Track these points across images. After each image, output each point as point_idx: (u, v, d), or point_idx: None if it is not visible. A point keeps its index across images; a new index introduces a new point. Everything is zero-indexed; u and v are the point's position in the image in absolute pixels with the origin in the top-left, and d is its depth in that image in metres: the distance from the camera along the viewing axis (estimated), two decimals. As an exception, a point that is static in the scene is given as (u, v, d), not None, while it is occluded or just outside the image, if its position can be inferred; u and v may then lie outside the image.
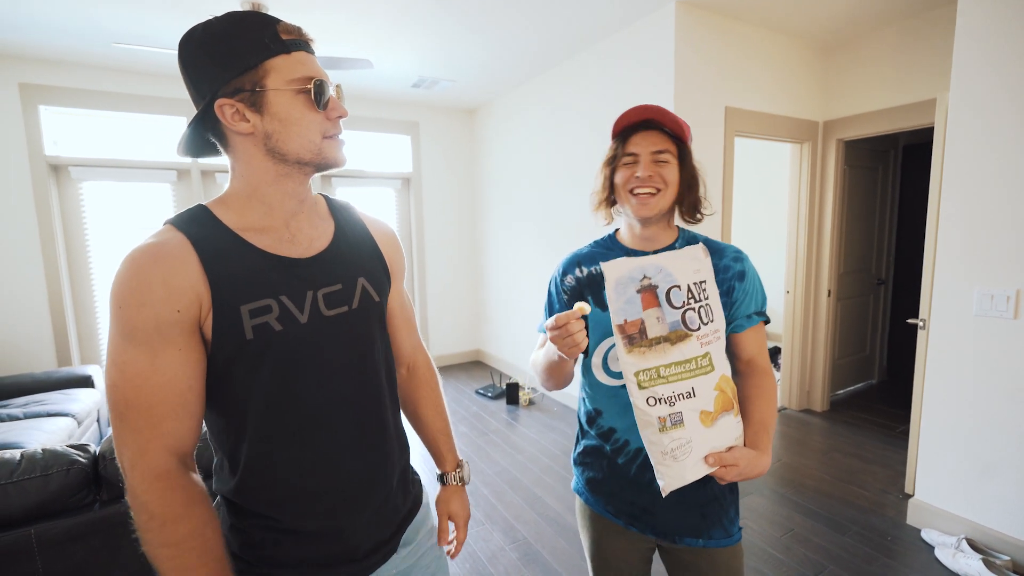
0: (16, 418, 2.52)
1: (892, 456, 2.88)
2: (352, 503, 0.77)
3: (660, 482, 0.86)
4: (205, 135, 0.73)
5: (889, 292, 4.13)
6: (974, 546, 1.98)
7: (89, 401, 2.84)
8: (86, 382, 3.05)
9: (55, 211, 3.42)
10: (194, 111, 0.70)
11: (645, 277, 0.87)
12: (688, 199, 1.02)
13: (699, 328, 0.87)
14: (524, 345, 4.42)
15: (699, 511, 0.99)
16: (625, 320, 0.86)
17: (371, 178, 4.64)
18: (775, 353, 4.44)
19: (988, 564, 1.87)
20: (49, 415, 2.56)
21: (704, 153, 2.77)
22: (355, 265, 0.80)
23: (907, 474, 2.49)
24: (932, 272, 2.21)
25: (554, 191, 3.85)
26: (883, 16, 2.82)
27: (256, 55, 0.67)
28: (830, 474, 2.71)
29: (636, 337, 0.85)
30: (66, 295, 3.50)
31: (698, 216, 1.04)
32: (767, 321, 1.02)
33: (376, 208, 4.66)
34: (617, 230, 1.12)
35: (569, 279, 1.07)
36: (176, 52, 0.71)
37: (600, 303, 1.01)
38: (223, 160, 0.75)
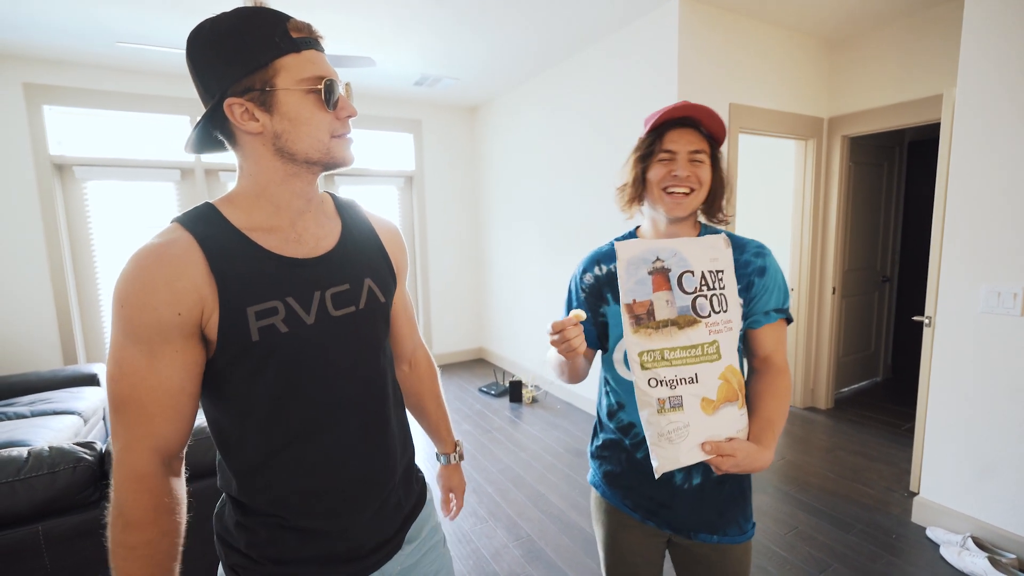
0: (23, 416, 2.54)
1: (897, 454, 2.87)
2: (356, 502, 0.77)
3: (654, 463, 0.86)
4: (213, 132, 0.72)
5: (894, 289, 4.11)
6: (980, 544, 1.97)
7: (95, 399, 2.86)
8: (91, 380, 3.07)
9: (59, 210, 3.43)
10: (199, 109, 0.70)
11: (658, 259, 0.86)
12: (716, 201, 1.02)
13: (709, 315, 0.86)
14: (527, 343, 4.42)
15: (717, 508, 0.99)
16: (634, 300, 0.86)
17: (374, 176, 4.64)
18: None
19: (994, 562, 1.86)
20: (55, 413, 2.58)
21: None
22: (362, 265, 0.80)
23: (912, 472, 2.48)
24: (938, 269, 2.20)
25: (556, 189, 3.84)
26: (889, 11, 2.80)
27: (266, 53, 0.66)
28: (834, 472, 2.70)
29: (643, 318, 0.85)
30: (71, 294, 3.52)
31: (721, 216, 1.04)
32: (789, 320, 1.01)
33: (379, 206, 4.67)
34: (638, 227, 1.11)
35: (588, 277, 1.07)
36: (180, 51, 0.71)
37: (619, 300, 1.01)
38: (227, 159, 0.75)
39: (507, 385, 4.17)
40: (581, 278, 1.09)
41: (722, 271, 0.89)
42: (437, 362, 1.09)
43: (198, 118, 0.70)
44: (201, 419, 0.76)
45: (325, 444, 0.74)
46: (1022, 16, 1.81)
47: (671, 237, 1.01)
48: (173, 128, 3.76)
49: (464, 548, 2.17)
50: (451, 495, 1.10)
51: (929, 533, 2.13)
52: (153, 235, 0.67)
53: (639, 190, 1.02)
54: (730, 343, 0.89)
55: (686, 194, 0.97)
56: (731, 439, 0.87)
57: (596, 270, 1.07)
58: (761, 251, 1.01)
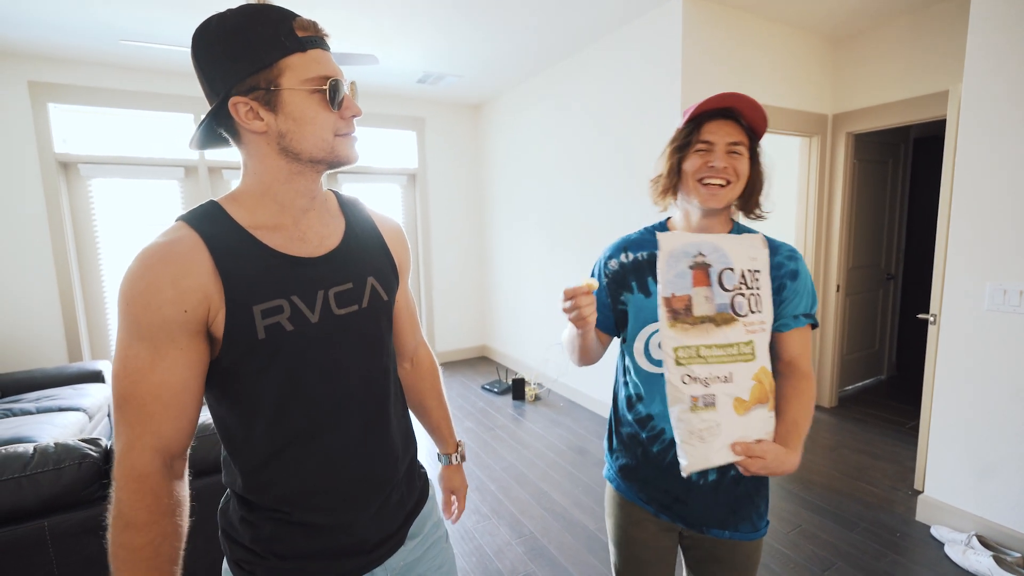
0: (29, 412, 2.55)
1: (901, 452, 2.86)
2: (359, 498, 0.78)
3: (682, 461, 0.85)
4: (217, 129, 0.72)
5: (899, 287, 4.09)
6: (984, 543, 1.97)
7: (100, 396, 2.87)
8: (96, 377, 3.09)
9: (65, 208, 3.45)
10: (204, 107, 0.70)
11: (700, 254, 0.85)
12: (754, 196, 1.00)
13: (747, 315, 0.86)
14: (530, 340, 4.42)
15: (731, 505, 0.99)
16: (672, 294, 0.85)
17: (377, 174, 4.64)
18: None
19: (999, 561, 1.85)
20: (61, 410, 2.59)
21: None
22: (365, 263, 0.80)
23: (916, 470, 2.47)
24: (943, 266, 2.19)
25: (559, 187, 3.83)
26: (893, 7, 2.78)
27: (272, 52, 0.66)
28: (839, 470, 2.70)
29: (681, 313, 0.84)
30: (76, 291, 3.53)
31: (757, 212, 1.02)
32: (815, 325, 1.00)
33: (382, 204, 4.67)
34: (669, 218, 1.10)
35: (613, 263, 1.06)
36: (185, 48, 0.71)
37: (643, 289, 1.00)
38: (230, 157, 0.75)
39: (510, 383, 4.17)
40: (606, 264, 1.08)
41: (759, 271, 0.89)
42: (440, 360, 1.08)
43: (203, 116, 0.70)
44: (206, 416, 0.76)
45: (327, 442, 0.75)
46: (1030, 11, 1.80)
47: (703, 231, 1.00)
48: (177, 126, 3.76)
49: (467, 545, 2.18)
50: (452, 497, 1.09)
51: (933, 531, 2.13)
52: (158, 233, 0.67)
53: (673, 181, 1.00)
54: (764, 344, 0.88)
55: (722, 186, 0.94)
56: (760, 441, 0.86)
57: (623, 257, 1.05)
58: (794, 255, 1.00)
